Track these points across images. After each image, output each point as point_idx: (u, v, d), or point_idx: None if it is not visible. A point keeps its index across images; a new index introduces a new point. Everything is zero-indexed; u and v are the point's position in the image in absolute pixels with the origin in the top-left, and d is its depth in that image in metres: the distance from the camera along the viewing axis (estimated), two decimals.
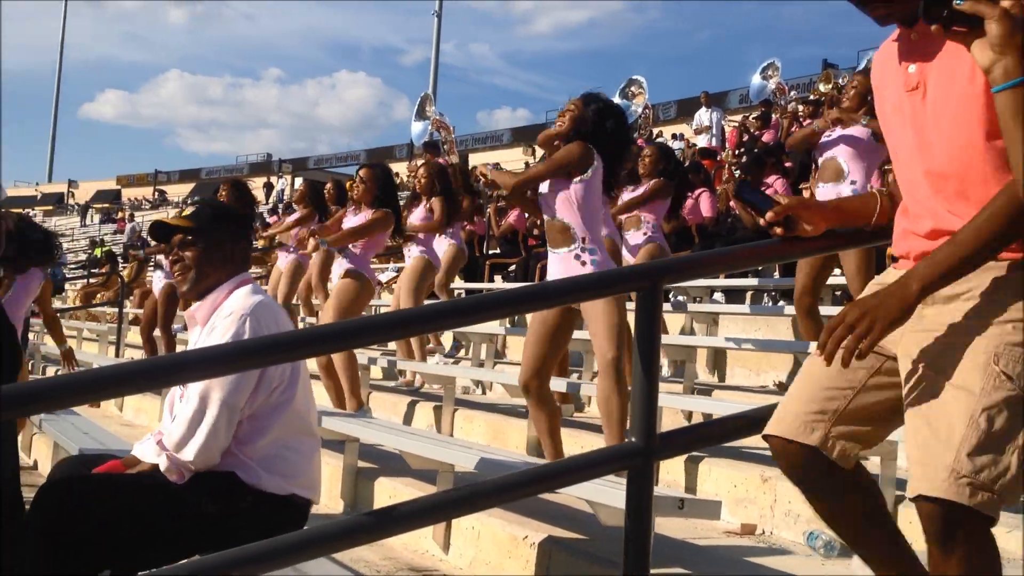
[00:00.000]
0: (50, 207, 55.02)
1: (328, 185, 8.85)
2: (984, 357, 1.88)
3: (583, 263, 4.46)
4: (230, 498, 2.96)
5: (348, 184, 8.61)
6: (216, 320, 3.08)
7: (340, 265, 6.40)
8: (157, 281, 10.27)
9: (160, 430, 3.17)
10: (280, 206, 27.21)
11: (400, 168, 24.41)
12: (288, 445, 3.07)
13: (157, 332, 10.10)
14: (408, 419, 6.86)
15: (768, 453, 2.22)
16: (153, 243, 14.62)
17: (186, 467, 2.96)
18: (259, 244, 11.55)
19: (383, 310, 10.00)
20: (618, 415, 4.36)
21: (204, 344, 3.02)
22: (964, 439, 1.83)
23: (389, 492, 4.73)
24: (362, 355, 7.62)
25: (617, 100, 14.97)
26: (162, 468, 2.97)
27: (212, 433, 2.94)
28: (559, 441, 4.65)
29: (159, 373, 2.33)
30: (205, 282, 3.18)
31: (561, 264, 4.52)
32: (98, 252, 19.01)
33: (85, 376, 2.47)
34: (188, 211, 3.29)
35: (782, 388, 6.17)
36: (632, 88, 12.67)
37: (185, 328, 11.84)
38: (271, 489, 3.01)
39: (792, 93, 16.17)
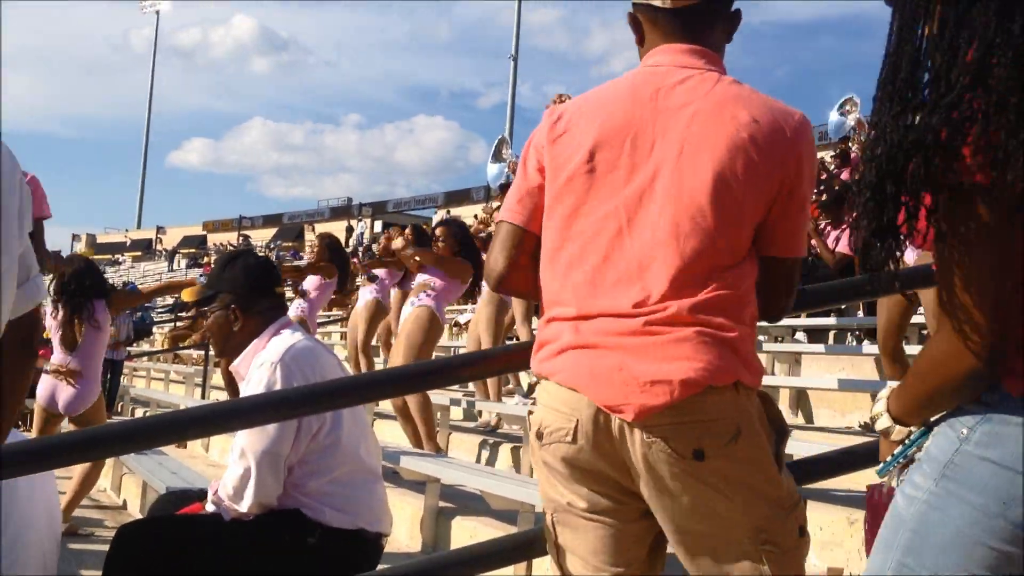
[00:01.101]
0: (139, 252, 56.71)
1: (407, 231, 8.94)
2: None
3: None
4: (298, 534, 2.99)
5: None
6: (252, 369, 3.11)
7: (412, 304, 6.46)
8: None
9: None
10: (360, 249, 27.67)
11: (477, 210, 24.59)
12: (345, 483, 3.08)
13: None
14: (488, 460, 6.87)
15: (855, 494, 2.19)
16: None
17: (244, 515, 3.02)
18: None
19: (462, 350, 10.05)
20: None
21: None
22: None
23: (469, 532, 4.73)
24: (442, 396, 7.67)
25: (834, 115, 15.29)
26: (225, 518, 3.04)
27: (260, 484, 2.98)
28: None
29: (189, 424, 2.45)
30: (230, 344, 3.24)
31: None
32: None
33: (135, 425, 2.55)
34: (191, 289, 3.40)
35: (867, 428, 6.04)
36: (847, 106, 14.44)
37: None
38: (337, 524, 3.02)
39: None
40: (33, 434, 6.26)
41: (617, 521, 1.95)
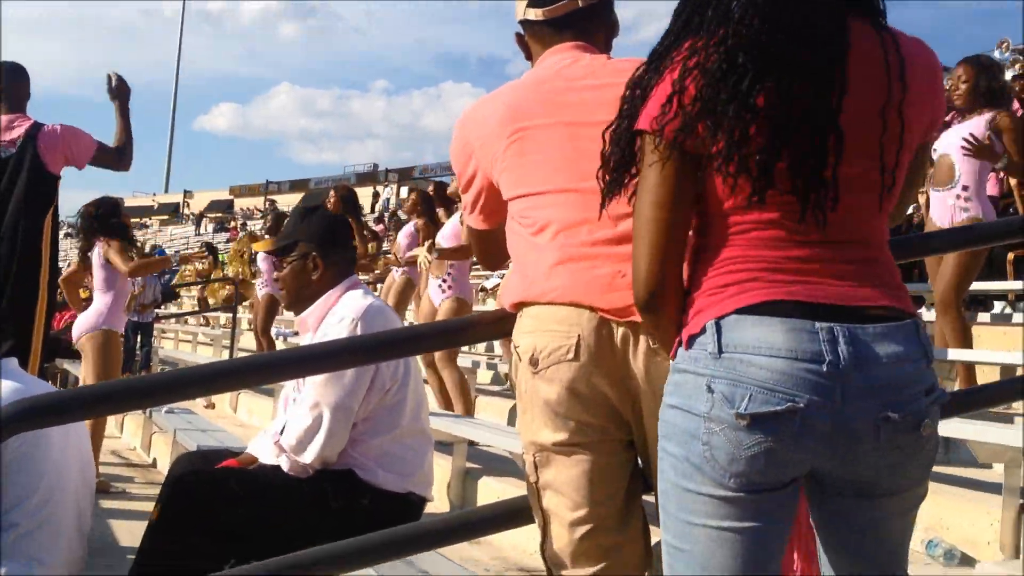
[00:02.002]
0: (166, 216, 56.99)
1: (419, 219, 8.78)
2: None
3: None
4: (350, 494, 3.01)
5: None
6: (327, 326, 3.13)
7: (440, 290, 6.57)
8: (259, 288, 10.57)
9: (274, 429, 3.24)
10: (386, 215, 27.67)
11: None
12: (403, 444, 3.11)
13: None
14: (515, 421, 6.89)
15: None
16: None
17: (305, 469, 3.03)
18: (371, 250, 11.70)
19: None
20: None
21: None
22: None
23: (497, 493, 4.75)
24: (467, 359, 7.70)
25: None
26: (284, 469, 3.04)
27: (329, 436, 3.00)
28: None
29: (263, 369, 2.46)
30: (304, 294, 3.25)
31: None
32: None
33: (204, 369, 2.56)
34: (265, 243, 3.42)
35: None
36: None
37: (296, 333, 12.11)
38: (388, 487, 3.05)
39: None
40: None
41: (599, 456, 1.95)
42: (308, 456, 3.01)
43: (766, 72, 1.52)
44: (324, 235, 3.30)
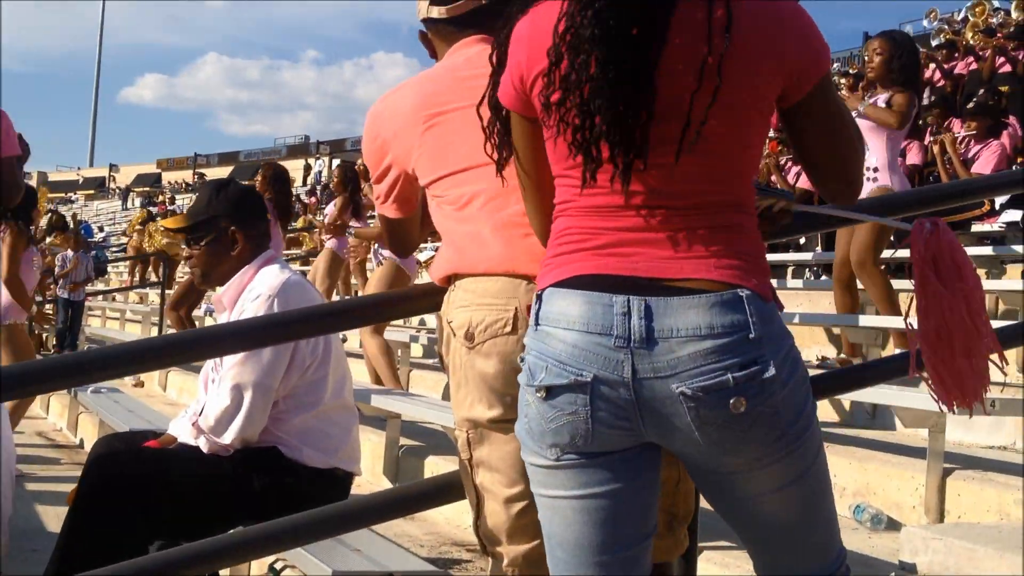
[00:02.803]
0: (92, 191, 55.79)
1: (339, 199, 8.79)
2: None
3: None
4: (274, 472, 2.98)
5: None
6: (244, 302, 3.08)
7: (377, 258, 6.57)
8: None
9: (193, 410, 3.19)
10: (318, 187, 27.37)
11: None
12: (326, 420, 3.09)
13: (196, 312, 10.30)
14: (449, 396, 6.87)
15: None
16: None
17: (225, 449, 2.99)
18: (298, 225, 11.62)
19: None
20: None
21: None
22: None
23: (432, 468, 4.74)
24: (402, 333, 7.66)
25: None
26: (203, 450, 3.00)
27: (248, 415, 2.97)
28: None
29: (183, 348, 2.39)
30: (217, 271, 3.20)
31: None
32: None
33: (119, 349, 2.49)
34: (175, 220, 3.31)
35: (822, 361, 6.11)
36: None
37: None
38: (313, 463, 3.02)
39: (835, 65, 15.99)
40: None
41: None
42: (228, 437, 2.97)
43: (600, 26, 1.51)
44: (240, 209, 3.24)
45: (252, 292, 3.08)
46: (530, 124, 1.67)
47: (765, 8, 1.58)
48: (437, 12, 2.16)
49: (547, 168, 1.69)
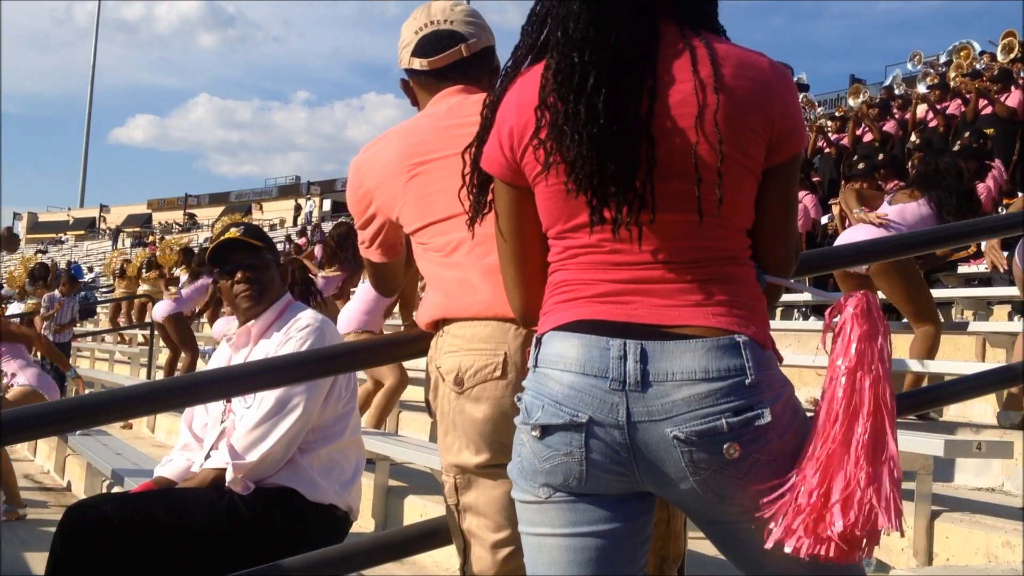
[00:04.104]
0: (82, 232, 55.68)
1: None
2: None
3: None
4: (281, 513, 2.98)
5: None
6: (290, 334, 3.13)
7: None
8: (166, 306, 10.64)
9: (181, 448, 3.21)
10: (308, 228, 27.41)
11: None
12: (344, 455, 3.14)
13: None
14: (435, 437, 6.85)
15: None
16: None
17: (247, 470, 2.96)
18: None
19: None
20: None
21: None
22: None
23: (420, 510, 4.73)
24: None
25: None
26: (227, 478, 2.97)
27: (283, 439, 2.98)
28: None
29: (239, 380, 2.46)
30: (268, 301, 3.23)
31: None
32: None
33: (175, 382, 2.50)
34: (238, 232, 3.27)
35: (816, 404, 6.11)
36: None
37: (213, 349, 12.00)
38: (327, 500, 3.04)
39: (820, 109, 16.13)
40: None
41: None
42: (255, 454, 2.96)
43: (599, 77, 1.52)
44: (276, 251, 3.37)
45: (297, 324, 3.15)
46: (515, 192, 1.67)
47: (750, 62, 1.58)
48: (419, 63, 2.19)
49: (529, 235, 1.69)
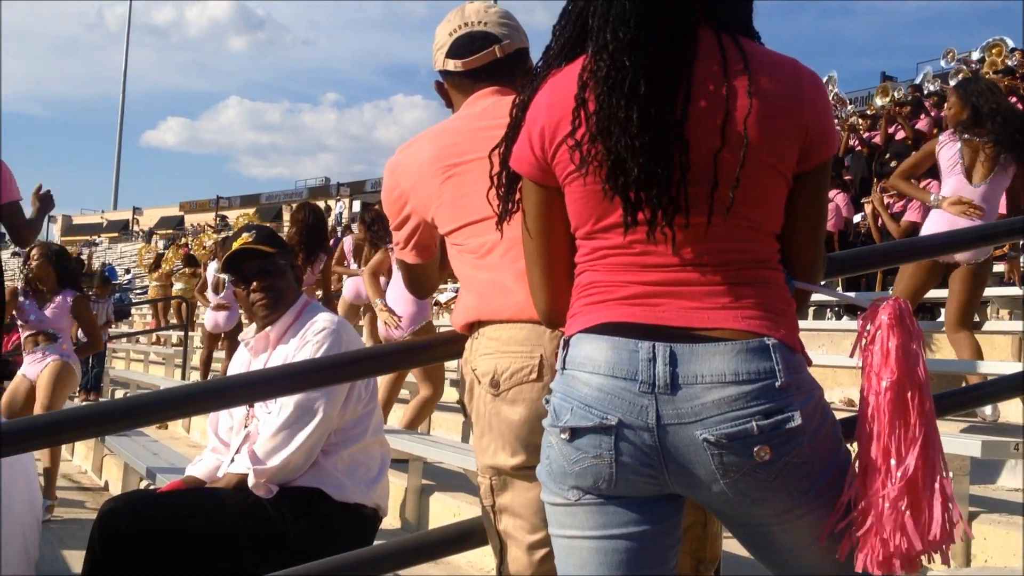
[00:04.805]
0: (116, 234, 56.22)
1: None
2: None
3: None
4: (306, 513, 3.00)
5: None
6: (307, 337, 3.13)
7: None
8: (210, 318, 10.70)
9: (211, 449, 3.24)
10: (339, 229, 27.51)
11: None
12: (367, 454, 3.16)
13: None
14: (469, 437, 6.87)
15: None
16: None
17: (269, 475, 2.99)
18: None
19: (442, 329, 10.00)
20: None
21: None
22: None
23: (453, 511, 4.74)
24: None
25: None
26: (250, 483, 3.00)
27: (304, 445, 3.00)
28: None
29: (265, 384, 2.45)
30: (285, 305, 3.24)
31: None
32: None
33: (191, 389, 2.53)
34: (251, 237, 3.27)
35: (849, 404, 6.08)
36: (828, 84, 13.64)
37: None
38: (354, 498, 3.06)
39: (850, 107, 16.02)
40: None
41: None
42: (277, 459, 2.99)
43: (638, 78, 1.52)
44: (290, 249, 3.38)
45: (315, 326, 3.15)
46: (544, 191, 1.67)
47: (784, 67, 1.59)
48: (453, 65, 2.20)
49: (556, 236, 1.69)
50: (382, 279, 6.60)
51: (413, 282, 2.44)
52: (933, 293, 6.18)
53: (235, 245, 3.25)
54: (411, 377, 6.73)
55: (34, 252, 6.57)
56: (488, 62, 2.18)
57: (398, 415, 6.64)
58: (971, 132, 5.23)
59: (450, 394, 8.70)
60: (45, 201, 5.29)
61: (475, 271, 2.05)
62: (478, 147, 2.01)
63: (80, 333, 6.72)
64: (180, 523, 2.90)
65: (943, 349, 6.29)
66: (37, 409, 6.02)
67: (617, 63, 1.53)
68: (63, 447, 6.30)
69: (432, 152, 2.13)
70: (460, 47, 2.19)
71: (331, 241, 10.43)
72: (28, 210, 5.12)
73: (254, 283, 3.21)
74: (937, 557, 1.54)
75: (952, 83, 12.63)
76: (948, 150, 5.33)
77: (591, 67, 1.57)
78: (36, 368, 6.24)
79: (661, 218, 1.53)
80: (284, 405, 3.04)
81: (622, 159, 1.52)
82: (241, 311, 11.03)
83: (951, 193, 5.26)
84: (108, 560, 2.84)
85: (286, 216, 43.97)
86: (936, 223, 5.31)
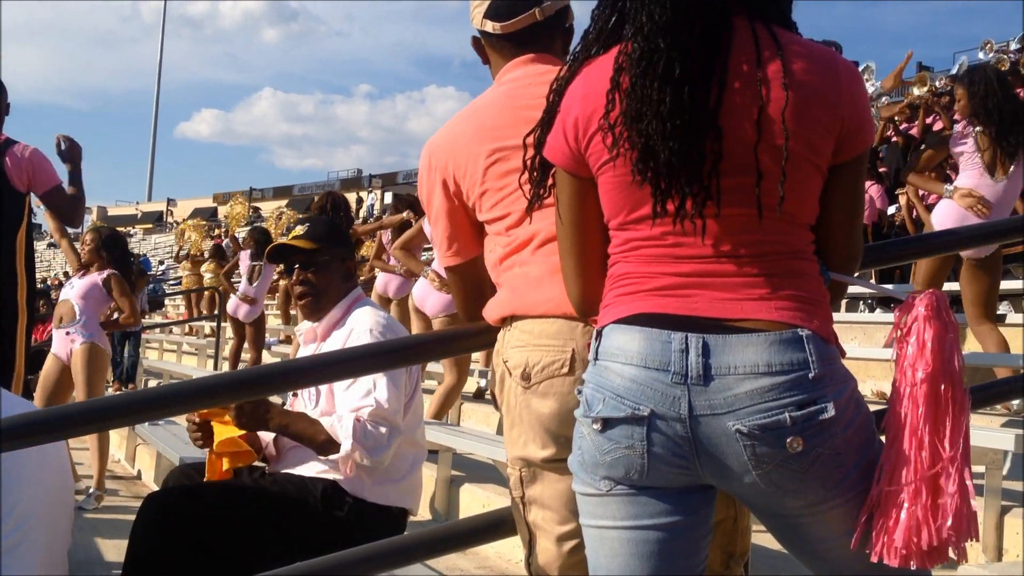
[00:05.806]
0: (150, 225, 56.70)
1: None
2: None
3: None
4: (330, 507, 2.99)
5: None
6: (354, 335, 3.09)
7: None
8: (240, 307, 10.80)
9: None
10: (371, 220, 27.59)
11: None
12: (402, 455, 3.08)
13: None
14: (500, 429, 6.88)
15: None
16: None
17: (373, 461, 2.96)
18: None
19: None
20: None
21: None
22: None
23: (482, 501, 4.75)
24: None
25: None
26: (341, 452, 2.93)
27: (393, 446, 2.99)
28: None
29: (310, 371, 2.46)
30: (329, 301, 3.21)
31: None
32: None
33: (246, 374, 2.52)
34: (301, 231, 3.24)
35: (881, 397, 6.03)
36: (865, 74, 13.81)
37: (279, 341, 12.11)
38: (373, 498, 3.03)
39: (885, 99, 15.83)
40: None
41: None
42: (378, 454, 2.96)
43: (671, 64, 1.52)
44: (344, 242, 3.32)
45: (361, 325, 3.09)
46: (578, 182, 1.67)
47: (821, 58, 1.58)
48: (492, 27, 2.14)
49: (590, 226, 1.69)
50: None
51: (466, 299, 2.27)
52: (945, 287, 6.12)
53: (287, 239, 3.23)
54: (432, 366, 6.75)
55: (86, 236, 6.66)
56: (528, 25, 2.13)
57: (424, 406, 6.65)
58: (980, 123, 5.22)
59: (475, 385, 8.72)
60: (72, 154, 4.94)
61: (510, 263, 2.04)
62: (522, 132, 1.96)
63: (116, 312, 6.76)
64: (225, 516, 2.91)
65: (968, 342, 6.23)
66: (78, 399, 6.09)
67: (652, 44, 1.53)
68: (97, 438, 6.34)
69: (474, 131, 2.09)
70: (500, 8, 2.13)
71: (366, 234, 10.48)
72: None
73: (295, 276, 3.21)
74: (967, 550, 1.53)
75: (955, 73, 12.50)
76: (962, 142, 5.31)
77: (627, 50, 1.57)
78: (64, 347, 6.32)
79: (691, 207, 1.53)
80: (363, 401, 2.99)
81: (652, 143, 1.52)
82: (264, 307, 11.23)
83: (971, 187, 5.23)
84: (149, 550, 2.85)
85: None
86: (945, 214, 5.30)
